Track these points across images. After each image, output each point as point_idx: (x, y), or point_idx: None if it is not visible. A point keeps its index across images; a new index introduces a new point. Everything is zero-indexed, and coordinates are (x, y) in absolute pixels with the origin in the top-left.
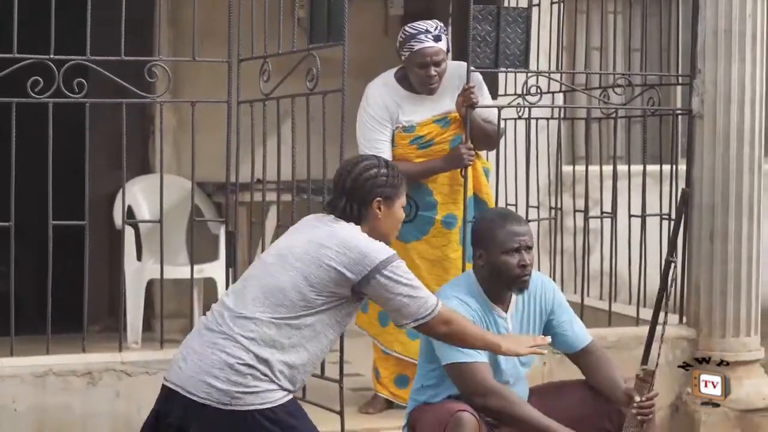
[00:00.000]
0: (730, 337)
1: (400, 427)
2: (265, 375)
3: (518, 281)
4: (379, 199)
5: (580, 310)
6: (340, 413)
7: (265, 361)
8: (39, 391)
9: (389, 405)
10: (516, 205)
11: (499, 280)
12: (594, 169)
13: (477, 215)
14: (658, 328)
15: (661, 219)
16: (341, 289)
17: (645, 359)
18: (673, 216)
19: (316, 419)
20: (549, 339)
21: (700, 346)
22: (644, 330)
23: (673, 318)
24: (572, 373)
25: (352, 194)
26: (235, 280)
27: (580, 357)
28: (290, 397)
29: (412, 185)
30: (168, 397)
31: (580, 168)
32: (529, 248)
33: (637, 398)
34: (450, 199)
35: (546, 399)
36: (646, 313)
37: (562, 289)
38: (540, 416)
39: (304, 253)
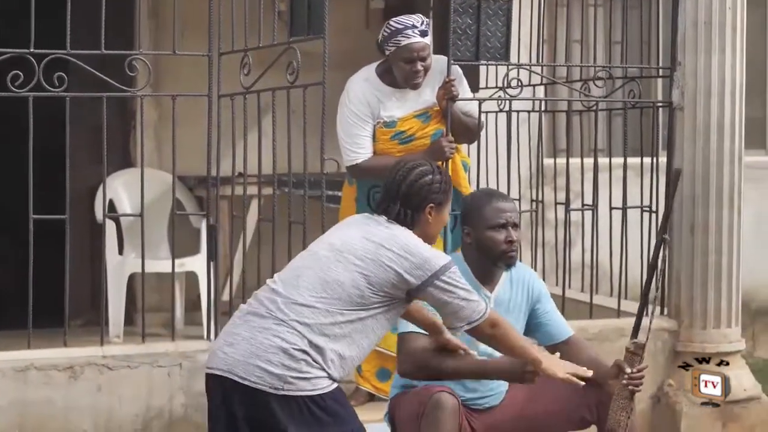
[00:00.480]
0: (711, 328)
1: (381, 420)
2: (317, 362)
3: (505, 256)
4: (432, 205)
5: (562, 302)
6: None
7: (319, 349)
8: (20, 385)
9: (371, 398)
10: None
11: (487, 256)
12: (575, 161)
13: (466, 196)
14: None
15: (642, 211)
16: (397, 291)
17: (635, 333)
18: (653, 209)
19: None
20: (591, 373)
21: (681, 338)
22: (626, 322)
23: (655, 310)
24: None
25: (408, 200)
26: (216, 273)
27: (562, 348)
28: (337, 385)
29: None
30: (216, 385)
31: (561, 161)
32: (515, 225)
33: (628, 370)
34: None
35: (525, 392)
36: (628, 305)
37: (544, 281)
38: (468, 362)
39: (364, 252)
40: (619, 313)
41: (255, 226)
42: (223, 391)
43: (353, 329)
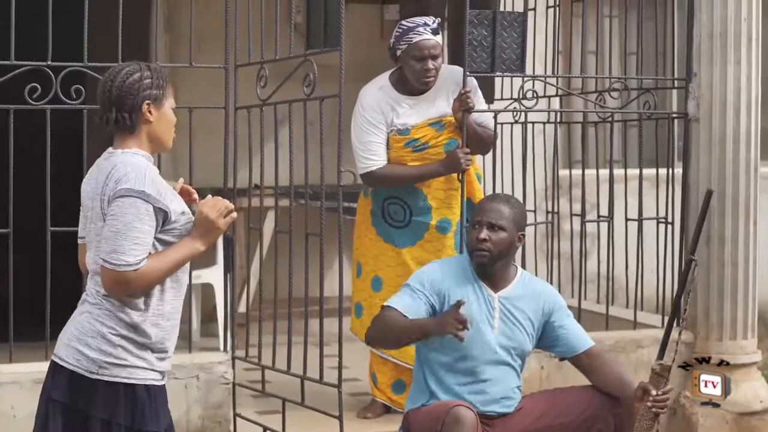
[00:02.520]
0: (728, 340)
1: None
2: (134, 347)
3: (473, 254)
4: (148, 102)
5: (578, 313)
6: (339, 418)
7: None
8: (38, 397)
9: (387, 410)
10: None
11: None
12: (590, 173)
13: None
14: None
15: (658, 223)
16: None
17: (661, 354)
18: (669, 220)
19: (313, 422)
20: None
21: (698, 349)
22: (641, 333)
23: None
24: (569, 378)
25: (121, 103)
26: (233, 285)
27: (583, 359)
28: (161, 383)
29: (405, 190)
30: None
31: (577, 172)
32: (492, 226)
33: (654, 392)
34: (444, 204)
35: (541, 401)
36: (644, 317)
37: (560, 292)
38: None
39: None
40: (635, 324)
41: (271, 238)
42: (52, 376)
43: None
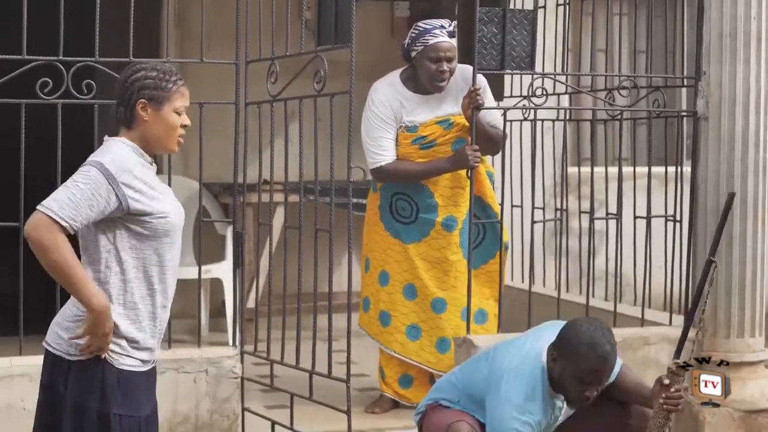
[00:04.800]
0: (735, 337)
1: (406, 427)
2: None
3: (575, 404)
4: (143, 101)
5: (585, 310)
6: (348, 413)
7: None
8: None
9: (395, 405)
10: (522, 206)
11: (561, 389)
12: (599, 170)
13: (571, 321)
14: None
15: (666, 220)
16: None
17: (678, 353)
18: (677, 218)
19: (321, 417)
20: None
21: (705, 347)
22: (649, 331)
23: (678, 319)
24: None
25: (122, 97)
26: (242, 280)
27: (617, 385)
28: (142, 369)
29: (413, 186)
30: None
31: (586, 169)
32: (599, 384)
33: (667, 381)
34: (451, 202)
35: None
36: (651, 315)
37: (567, 290)
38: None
39: None
40: (642, 322)
41: (280, 234)
42: (44, 361)
43: (112, 271)
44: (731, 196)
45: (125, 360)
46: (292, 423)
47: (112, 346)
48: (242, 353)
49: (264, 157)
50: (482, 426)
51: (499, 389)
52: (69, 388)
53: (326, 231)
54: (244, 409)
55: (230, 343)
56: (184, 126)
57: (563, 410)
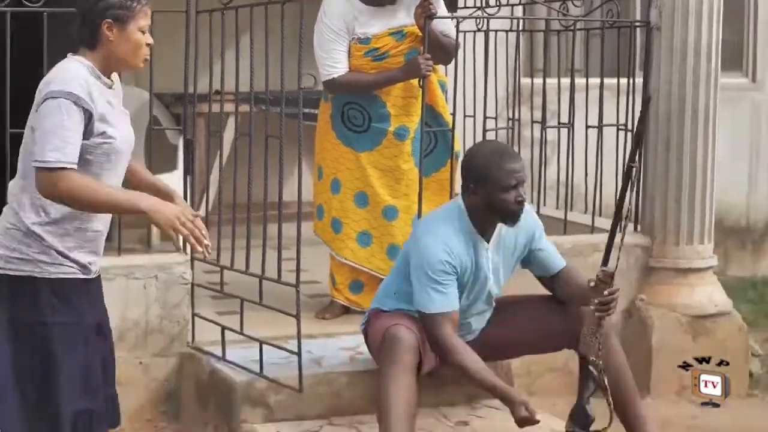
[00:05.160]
0: (684, 244)
1: (356, 332)
2: (33, 242)
3: (514, 216)
4: (108, 21)
5: None
6: (297, 317)
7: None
8: None
9: (346, 311)
10: (474, 116)
11: (494, 215)
12: (552, 81)
13: (470, 148)
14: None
15: (618, 130)
16: None
17: (605, 261)
18: (629, 127)
19: (272, 323)
20: None
21: (655, 254)
22: (599, 238)
23: (628, 226)
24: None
25: (85, 17)
26: (193, 189)
27: (556, 279)
28: (74, 276)
29: (365, 96)
30: None
31: (538, 80)
32: (523, 182)
33: (596, 301)
34: (403, 111)
35: (507, 316)
36: (602, 222)
37: None
38: (490, 376)
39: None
40: (592, 229)
41: (231, 144)
42: None
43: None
44: (647, 100)
45: (57, 269)
46: (242, 328)
47: (41, 257)
48: (192, 259)
49: (215, 68)
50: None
51: (418, 243)
52: (2, 301)
53: (276, 137)
54: (194, 315)
55: (180, 249)
56: (148, 45)
57: (491, 260)
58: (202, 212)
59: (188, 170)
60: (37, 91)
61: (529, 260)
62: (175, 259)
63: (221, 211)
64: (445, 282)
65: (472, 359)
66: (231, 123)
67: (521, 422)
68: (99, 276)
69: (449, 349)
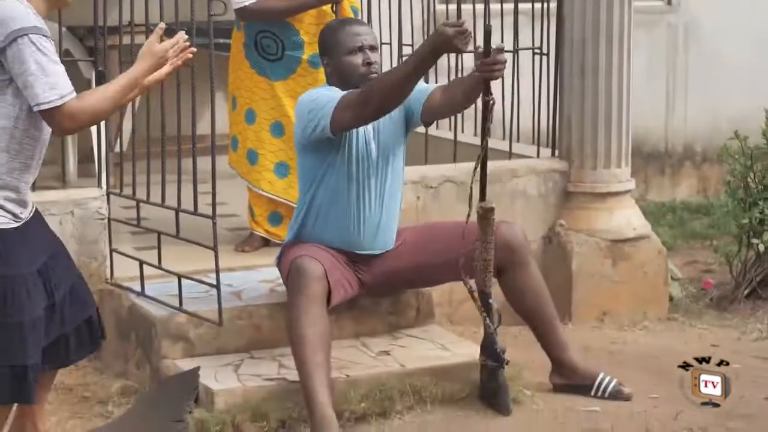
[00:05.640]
0: (602, 168)
1: (273, 264)
2: None
3: (365, 79)
4: None
5: (454, 146)
6: (214, 249)
7: None
8: None
9: (266, 243)
10: (390, 43)
11: (349, 83)
12: (467, 7)
13: (322, 28)
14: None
15: (534, 54)
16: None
17: (483, 196)
18: (545, 51)
19: (190, 257)
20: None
21: (572, 178)
22: (516, 163)
23: (546, 151)
24: (446, 209)
25: None
26: (107, 124)
27: (436, 93)
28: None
29: (278, 24)
30: None
31: (453, 6)
32: (372, 47)
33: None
34: (316, 39)
35: (414, 242)
36: (520, 148)
37: (437, 127)
38: (407, 64)
39: None
40: (510, 155)
41: None
42: None
43: None
44: (488, 29)
45: None
46: (159, 262)
47: None
48: (108, 194)
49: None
50: (333, 254)
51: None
52: None
53: (188, 66)
54: (111, 251)
55: (96, 184)
56: None
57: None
58: (118, 148)
59: None
60: None
61: (409, 110)
62: (91, 194)
63: (136, 145)
64: (330, 95)
65: (376, 82)
66: None
67: (455, 38)
68: (33, 214)
69: (362, 98)
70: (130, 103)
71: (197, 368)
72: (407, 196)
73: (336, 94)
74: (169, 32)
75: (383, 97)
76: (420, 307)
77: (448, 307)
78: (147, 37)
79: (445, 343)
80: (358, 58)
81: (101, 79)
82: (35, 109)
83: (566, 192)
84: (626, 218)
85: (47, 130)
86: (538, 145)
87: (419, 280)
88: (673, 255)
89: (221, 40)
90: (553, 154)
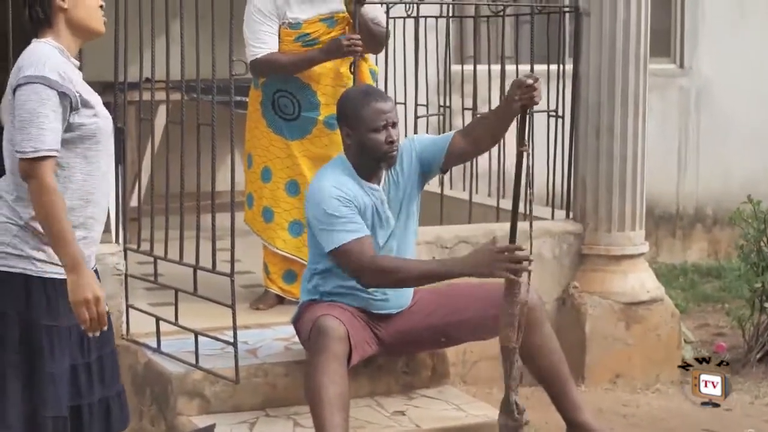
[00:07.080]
0: (616, 231)
1: (291, 323)
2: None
3: (386, 157)
4: None
5: (469, 207)
6: (232, 307)
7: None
8: None
9: (280, 300)
10: (405, 103)
11: (369, 157)
12: (483, 68)
13: (342, 93)
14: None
15: (549, 116)
16: None
17: (512, 238)
18: (560, 113)
19: (206, 313)
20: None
21: (587, 241)
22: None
23: (560, 213)
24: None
25: None
26: (124, 178)
27: (458, 141)
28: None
29: (295, 84)
30: None
31: (469, 67)
32: (394, 124)
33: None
34: (333, 100)
35: (434, 299)
36: (535, 210)
37: (451, 187)
38: (420, 265)
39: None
40: (525, 216)
41: (162, 132)
42: None
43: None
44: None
45: (49, 268)
46: (176, 318)
47: (36, 254)
48: (125, 249)
49: (145, 55)
50: (353, 313)
51: (309, 195)
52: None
53: (208, 125)
54: (128, 306)
55: (113, 240)
56: (101, 6)
57: (388, 200)
58: (134, 203)
59: (120, 159)
60: (11, 76)
61: (427, 165)
62: (108, 250)
63: (153, 200)
64: (345, 215)
65: (402, 266)
66: (162, 111)
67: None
68: (95, 271)
69: (377, 271)
70: (146, 158)
71: (213, 425)
72: (422, 257)
73: (352, 223)
74: (188, 89)
75: (400, 284)
76: (435, 367)
77: (461, 367)
78: (167, 94)
79: (460, 404)
80: (381, 136)
81: (120, 136)
82: (15, 154)
83: (580, 254)
84: (640, 281)
85: (92, 189)
86: (553, 207)
87: (436, 341)
88: (684, 318)
89: (239, 98)
90: (567, 216)
